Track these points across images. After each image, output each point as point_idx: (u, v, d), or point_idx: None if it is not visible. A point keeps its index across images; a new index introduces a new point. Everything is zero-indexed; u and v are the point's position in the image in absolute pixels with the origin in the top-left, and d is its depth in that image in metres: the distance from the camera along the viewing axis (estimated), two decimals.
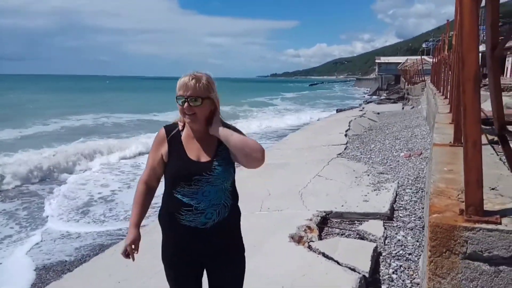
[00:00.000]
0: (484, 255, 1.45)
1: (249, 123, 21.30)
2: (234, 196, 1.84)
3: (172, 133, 1.81)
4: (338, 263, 3.18)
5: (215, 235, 1.75)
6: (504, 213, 1.55)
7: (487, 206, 1.61)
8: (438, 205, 1.66)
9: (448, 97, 7.08)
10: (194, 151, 1.77)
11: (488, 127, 3.99)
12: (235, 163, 1.81)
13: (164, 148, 1.80)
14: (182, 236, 1.77)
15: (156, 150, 1.82)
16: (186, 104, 1.68)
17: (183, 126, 1.82)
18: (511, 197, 1.75)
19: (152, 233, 4.26)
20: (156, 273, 3.21)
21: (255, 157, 1.71)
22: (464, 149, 1.51)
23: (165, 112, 25.79)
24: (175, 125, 1.84)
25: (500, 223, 1.46)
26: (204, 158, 1.75)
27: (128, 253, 1.82)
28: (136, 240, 1.83)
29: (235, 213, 1.85)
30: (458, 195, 1.75)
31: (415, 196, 4.98)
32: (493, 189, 1.88)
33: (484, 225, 1.45)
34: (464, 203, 1.56)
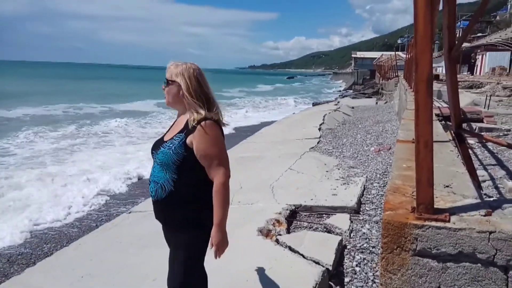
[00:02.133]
0: (432, 252, 1.51)
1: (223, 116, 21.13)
2: (181, 184, 1.86)
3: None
4: (303, 256, 3.23)
5: (157, 210, 1.97)
6: (454, 211, 1.60)
7: (439, 204, 1.67)
8: (392, 202, 1.70)
9: None
10: (169, 132, 1.97)
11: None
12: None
13: None
14: None
15: None
16: (163, 85, 1.94)
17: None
18: (463, 195, 1.82)
19: (121, 226, 4.21)
20: (121, 268, 3.18)
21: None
22: (416, 148, 1.55)
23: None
24: None
25: (449, 221, 1.52)
26: (166, 138, 1.94)
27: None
28: None
29: (179, 201, 1.87)
30: (412, 192, 1.80)
31: (382, 190, 5.10)
32: (447, 186, 1.95)
33: (433, 223, 1.50)
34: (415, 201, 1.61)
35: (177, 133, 1.88)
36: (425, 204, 1.53)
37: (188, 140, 1.83)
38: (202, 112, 1.84)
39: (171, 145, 1.86)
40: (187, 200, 1.88)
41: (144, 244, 3.62)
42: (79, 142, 13.41)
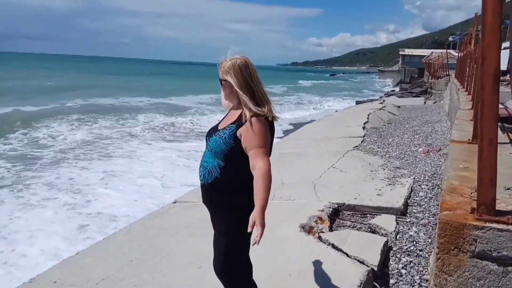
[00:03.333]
0: (493, 254, 1.44)
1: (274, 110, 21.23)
2: (226, 172, 1.96)
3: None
4: (347, 255, 3.18)
5: (204, 194, 2.07)
6: None
7: (500, 206, 1.58)
8: (450, 202, 1.63)
9: (471, 93, 6.89)
10: (224, 121, 2.09)
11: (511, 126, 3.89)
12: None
13: None
14: None
15: None
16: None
17: None
18: None
19: (167, 215, 4.36)
20: (167, 254, 3.29)
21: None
22: (479, 146, 1.48)
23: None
24: None
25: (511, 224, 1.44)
26: (221, 126, 2.04)
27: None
28: None
29: (223, 187, 1.97)
30: (471, 193, 1.72)
31: (431, 193, 4.91)
32: (508, 189, 1.84)
33: (494, 225, 1.43)
34: (476, 202, 1.54)
35: (230, 124, 1.99)
36: (487, 205, 1.46)
37: (238, 132, 1.95)
38: (253, 107, 1.94)
39: (222, 135, 1.98)
40: (231, 187, 1.99)
41: (188, 233, 3.73)
42: None
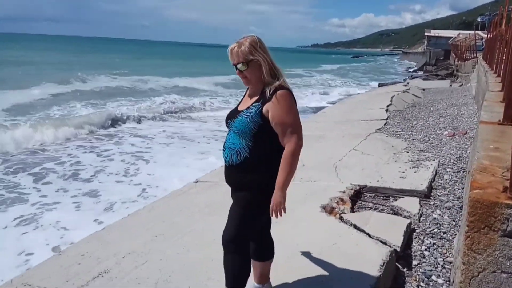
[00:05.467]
0: None
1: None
2: (255, 151, 1.95)
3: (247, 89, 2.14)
4: (369, 235, 3.17)
5: (230, 174, 2.06)
6: None
7: None
8: (481, 181, 1.59)
9: (501, 74, 6.63)
10: (244, 102, 2.06)
11: None
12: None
13: None
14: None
15: None
16: (237, 70, 1.95)
17: None
18: None
19: (189, 194, 4.43)
20: (189, 231, 3.36)
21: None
22: None
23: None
24: None
25: None
26: (240, 108, 2.03)
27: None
28: None
29: (252, 166, 1.96)
30: (502, 173, 1.67)
31: (456, 176, 4.81)
32: None
33: None
34: (508, 181, 1.49)
35: (253, 103, 1.96)
36: None
37: (264, 109, 1.91)
38: (277, 81, 1.93)
39: (248, 114, 1.94)
40: (260, 166, 1.97)
41: (209, 211, 3.78)
42: None
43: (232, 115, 2.04)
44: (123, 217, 4.10)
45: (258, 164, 1.97)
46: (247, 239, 2.12)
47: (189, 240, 3.18)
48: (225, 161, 2.06)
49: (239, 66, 1.92)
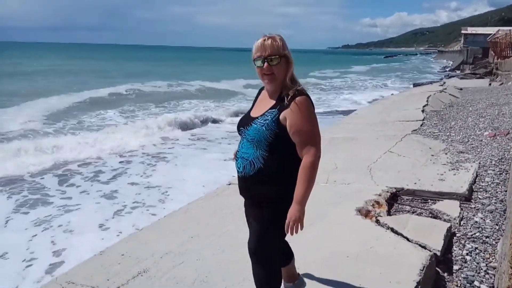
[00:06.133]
0: None
1: (316, 98, 20.94)
2: (271, 163, 1.80)
3: (259, 92, 2.04)
4: (407, 239, 3.08)
5: (243, 186, 1.95)
6: None
7: None
8: None
9: None
10: (257, 108, 1.92)
11: None
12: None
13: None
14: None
15: None
16: (266, 64, 1.75)
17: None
18: None
19: (222, 196, 4.48)
20: (224, 232, 3.40)
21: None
22: None
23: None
24: None
25: None
26: (255, 114, 1.88)
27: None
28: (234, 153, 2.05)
29: (267, 178, 1.82)
30: None
31: (498, 178, 4.59)
32: None
33: None
34: None
35: (269, 109, 1.80)
36: None
37: (281, 116, 1.76)
38: (297, 86, 1.80)
39: (263, 121, 1.78)
40: (275, 177, 1.83)
41: (242, 213, 3.75)
42: None
43: (245, 122, 1.88)
44: (160, 218, 4.22)
45: (273, 176, 1.82)
46: (271, 250, 1.99)
47: (224, 241, 3.22)
48: (238, 171, 1.92)
49: (272, 58, 1.74)
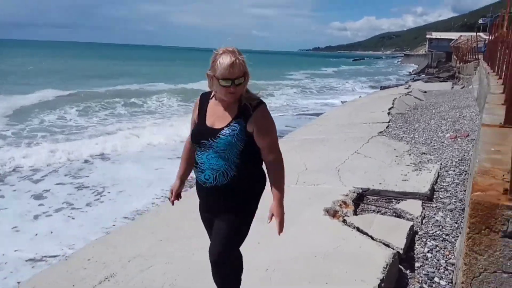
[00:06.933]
0: None
1: (284, 100, 21.19)
2: (243, 168, 1.88)
3: (203, 99, 2.01)
4: (372, 238, 3.19)
5: (213, 195, 1.94)
6: None
7: None
8: (482, 183, 1.62)
9: (503, 77, 6.65)
10: (212, 118, 1.92)
11: None
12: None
13: (196, 113, 2.02)
14: (198, 190, 2.03)
15: (193, 114, 2.06)
16: (233, 85, 1.78)
17: (214, 94, 1.96)
18: None
19: (191, 199, 4.46)
20: (194, 235, 3.38)
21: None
22: None
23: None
24: (210, 92, 1.99)
25: None
26: (217, 125, 1.88)
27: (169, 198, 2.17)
28: (176, 189, 2.15)
29: (241, 184, 1.90)
30: (503, 176, 1.70)
31: (458, 178, 4.83)
32: None
33: None
34: (509, 183, 1.52)
35: (234, 120, 1.86)
36: None
37: (248, 125, 1.84)
38: (257, 96, 1.91)
39: (232, 132, 1.84)
40: (247, 181, 1.93)
41: None
42: None
43: (209, 134, 1.88)
44: (128, 222, 4.15)
45: (245, 181, 1.91)
46: (238, 253, 2.10)
47: (194, 243, 3.20)
48: (207, 183, 1.90)
49: (240, 79, 1.78)
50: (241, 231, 2.00)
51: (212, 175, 1.88)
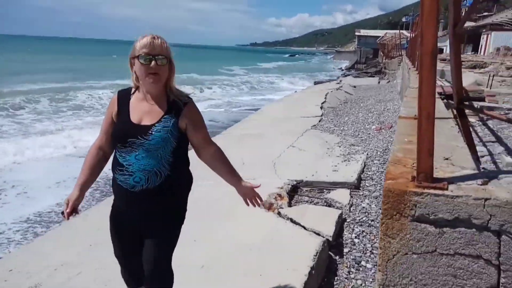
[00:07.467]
0: (430, 217, 1.58)
1: (221, 94, 21.20)
2: (176, 167, 1.80)
3: (123, 96, 1.85)
4: (304, 228, 3.33)
5: (145, 200, 1.76)
6: (452, 180, 1.67)
7: (438, 174, 1.73)
8: (393, 172, 1.77)
9: None
10: (138, 114, 1.78)
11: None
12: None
13: (114, 110, 1.84)
14: (119, 197, 1.85)
15: (108, 113, 1.88)
16: (154, 62, 1.68)
17: (136, 89, 1.85)
18: (461, 166, 1.88)
19: None
20: None
21: None
22: (418, 120, 1.61)
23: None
24: (130, 89, 1.88)
25: (447, 189, 1.59)
26: (146, 122, 1.76)
27: (63, 212, 1.80)
28: (73, 199, 1.81)
29: (174, 184, 1.81)
30: (413, 164, 1.86)
31: (382, 167, 5.19)
32: (446, 159, 2.01)
33: (432, 191, 1.57)
34: (416, 171, 1.68)
35: (166, 115, 1.77)
36: (425, 173, 1.60)
37: (180, 120, 1.78)
38: (185, 93, 1.87)
39: (165, 128, 1.74)
40: (181, 180, 1.87)
41: None
42: None
43: (137, 132, 1.73)
44: (56, 227, 3.91)
45: (178, 182, 1.84)
46: (170, 261, 1.93)
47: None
48: (135, 186, 1.74)
49: (161, 58, 1.69)
50: (174, 241, 1.91)
51: (144, 177, 1.73)
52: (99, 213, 3.93)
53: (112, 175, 1.83)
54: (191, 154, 1.91)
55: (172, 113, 1.77)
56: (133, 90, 1.85)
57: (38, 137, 10.27)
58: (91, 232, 3.41)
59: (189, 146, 1.91)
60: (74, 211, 1.82)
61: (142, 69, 1.70)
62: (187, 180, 1.94)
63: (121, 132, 1.77)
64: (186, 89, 1.98)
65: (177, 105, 1.78)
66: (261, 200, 1.97)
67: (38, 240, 3.54)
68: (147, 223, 1.84)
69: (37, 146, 9.20)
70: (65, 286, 2.58)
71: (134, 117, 1.77)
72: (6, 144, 9.30)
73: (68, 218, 1.81)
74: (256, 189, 1.96)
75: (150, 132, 1.72)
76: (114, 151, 1.82)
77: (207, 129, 1.92)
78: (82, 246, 3.14)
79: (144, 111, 1.78)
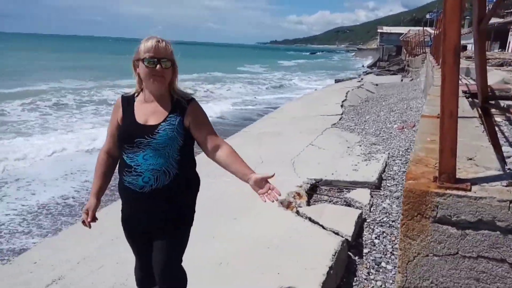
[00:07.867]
0: (452, 219, 1.54)
1: (240, 92, 21.24)
2: (183, 165, 1.81)
3: (126, 100, 1.87)
4: (323, 227, 3.30)
5: (154, 201, 1.77)
6: (475, 181, 1.62)
7: (461, 174, 1.69)
8: (415, 172, 1.73)
9: None
10: (144, 115, 1.80)
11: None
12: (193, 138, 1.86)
13: (119, 113, 1.86)
14: (127, 200, 1.85)
15: (113, 118, 1.90)
16: (158, 65, 1.71)
17: (139, 92, 1.88)
18: (486, 167, 1.82)
19: None
20: None
21: None
22: (441, 119, 1.56)
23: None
24: (133, 94, 1.90)
25: (470, 190, 1.54)
26: (152, 122, 1.77)
27: (83, 220, 1.88)
28: (92, 208, 1.89)
29: (182, 183, 1.82)
30: (435, 164, 1.82)
31: (404, 167, 5.08)
32: (470, 159, 1.95)
33: (454, 192, 1.53)
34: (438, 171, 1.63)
35: (171, 114, 1.80)
36: (447, 174, 1.56)
37: (185, 119, 1.80)
38: (187, 91, 1.90)
39: (172, 127, 1.76)
40: (189, 178, 1.89)
41: None
42: None
43: (144, 132, 1.75)
44: (78, 222, 4.00)
45: (187, 179, 1.86)
46: (182, 268, 1.97)
47: None
48: (144, 187, 1.74)
49: (166, 61, 1.73)
50: (183, 242, 1.93)
51: (153, 176, 1.73)
52: (119, 209, 4.01)
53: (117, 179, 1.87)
54: (204, 155, 1.92)
55: (177, 112, 1.80)
56: (136, 93, 1.88)
57: (63, 135, 10.54)
58: (112, 227, 3.48)
59: (199, 149, 1.91)
60: (94, 219, 1.91)
61: (147, 71, 1.73)
62: (194, 181, 1.94)
63: (128, 133, 1.79)
64: (187, 90, 1.98)
65: (181, 104, 1.81)
66: (278, 193, 1.75)
67: (61, 235, 3.64)
68: (156, 225, 1.85)
69: (65, 141, 9.47)
70: (86, 280, 2.64)
71: (139, 118, 1.79)
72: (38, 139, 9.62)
73: (90, 227, 1.90)
74: (271, 182, 1.79)
75: (157, 131, 1.74)
76: (120, 154, 1.83)
77: (212, 126, 1.91)
78: (103, 241, 3.21)
79: (149, 111, 1.80)
